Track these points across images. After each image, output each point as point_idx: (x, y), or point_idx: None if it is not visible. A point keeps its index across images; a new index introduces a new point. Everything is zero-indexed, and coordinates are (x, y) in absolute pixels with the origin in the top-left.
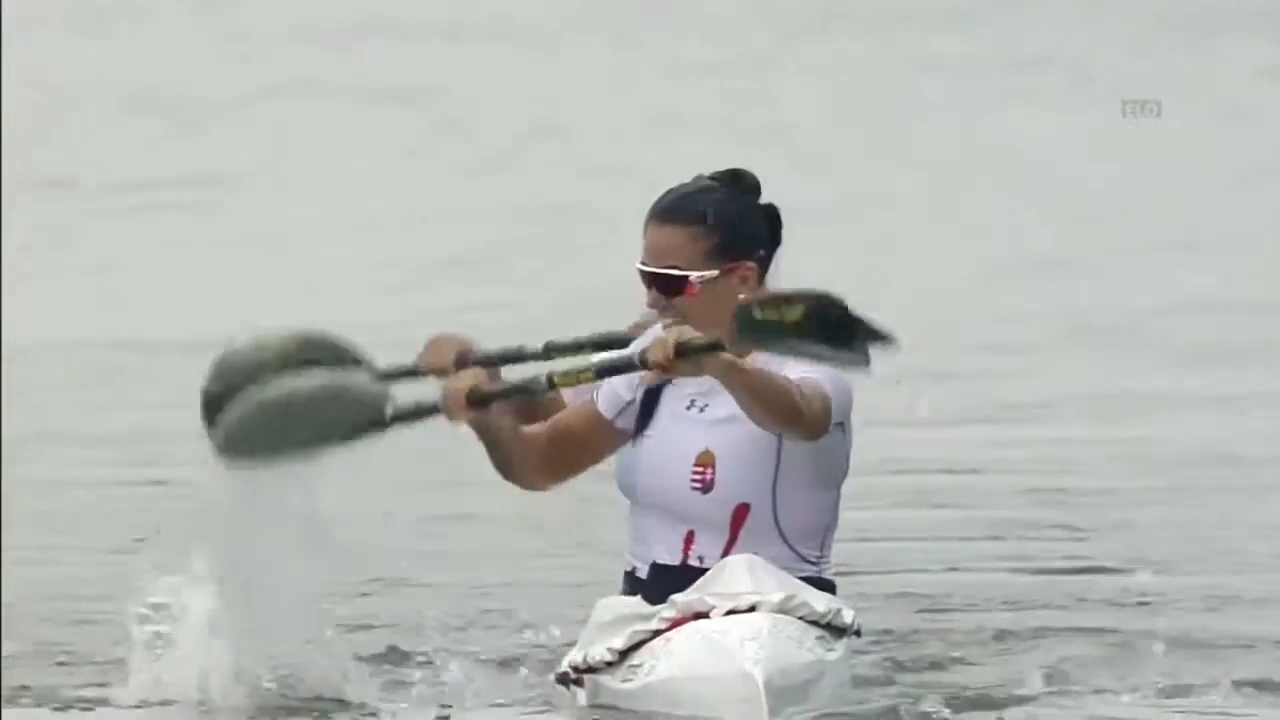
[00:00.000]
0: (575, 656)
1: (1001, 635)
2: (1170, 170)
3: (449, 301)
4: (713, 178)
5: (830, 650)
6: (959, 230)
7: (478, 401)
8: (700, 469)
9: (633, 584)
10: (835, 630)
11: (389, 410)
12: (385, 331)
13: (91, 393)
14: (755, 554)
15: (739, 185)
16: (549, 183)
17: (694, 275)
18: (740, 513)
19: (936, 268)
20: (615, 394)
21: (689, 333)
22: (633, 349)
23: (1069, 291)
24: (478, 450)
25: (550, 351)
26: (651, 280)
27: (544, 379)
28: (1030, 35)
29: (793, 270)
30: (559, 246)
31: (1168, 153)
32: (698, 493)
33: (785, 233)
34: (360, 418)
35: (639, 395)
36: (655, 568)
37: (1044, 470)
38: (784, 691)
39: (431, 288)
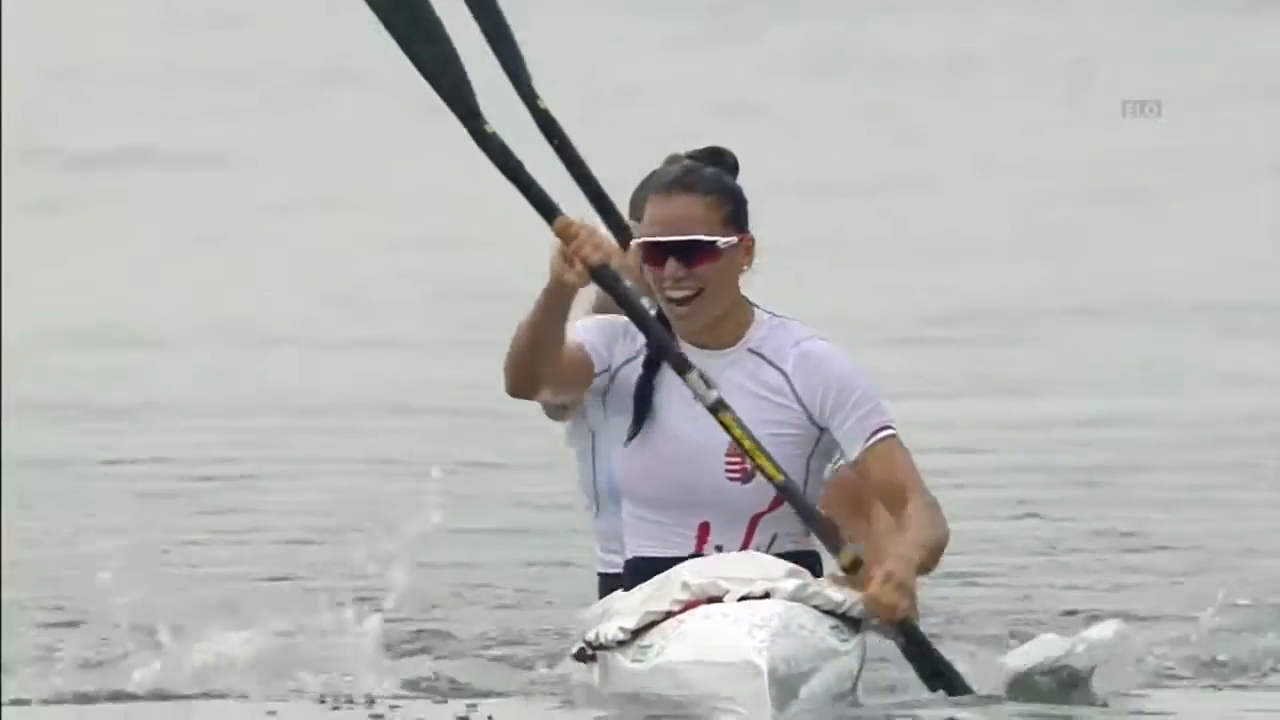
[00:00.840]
0: (589, 633)
1: (1028, 617)
2: (1176, 158)
3: (469, 270)
4: (691, 156)
5: (844, 641)
6: (963, 214)
7: (601, 277)
8: (735, 459)
9: (612, 587)
10: (851, 621)
11: (488, 127)
12: (387, 298)
13: (97, 369)
14: (775, 534)
15: (721, 162)
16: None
17: (721, 241)
18: (779, 498)
19: (939, 249)
20: (600, 354)
21: (906, 605)
22: (843, 595)
23: (1078, 269)
24: (480, 438)
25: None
26: (670, 250)
27: (713, 396)
28: (1032, 28)
29: (801, 239)
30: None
31: (1171, 143)
32: (736, 483)
33: (792, 206)
34: (445, 75)
35: (616, 368)
36: (650, 561)
37: (1068, 448)
38: (790, 680)
39: (444, 260)
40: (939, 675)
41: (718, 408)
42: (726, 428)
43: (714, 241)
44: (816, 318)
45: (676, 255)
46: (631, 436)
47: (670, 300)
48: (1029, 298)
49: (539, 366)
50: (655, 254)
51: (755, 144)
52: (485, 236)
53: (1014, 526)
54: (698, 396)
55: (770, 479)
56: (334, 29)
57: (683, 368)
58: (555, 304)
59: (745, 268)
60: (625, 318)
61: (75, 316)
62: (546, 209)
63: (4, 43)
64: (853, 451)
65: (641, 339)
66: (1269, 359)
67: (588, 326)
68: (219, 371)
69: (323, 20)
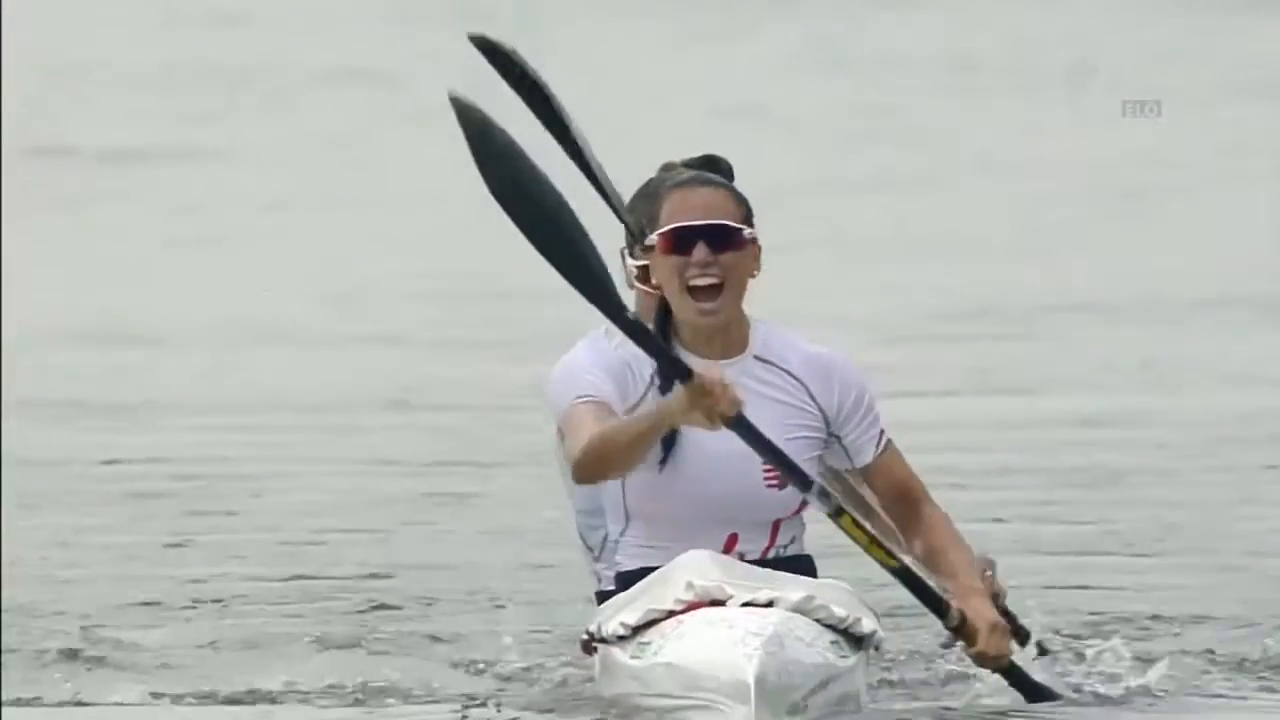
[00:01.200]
0: (592, 625)
1: (1033, 617)
2: (1176, 158)
3: (469, 270)
4: (687, 164)
5: (843, 657)
6: (963, 214)
7: (735, 425)
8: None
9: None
10: (853, 639)
11: (630, 314)
12: (386, 297)
13: (97, 368)
14: (793, 536)
15: (717, 169)
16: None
17: (746, 231)
18: (804, 503)
19: (939, 248)
20: (619, 404)
21: (1009, 646)
22: (952, 621)
23: (1078, 269)
24: (479, 437)
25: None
26: (700, 235)
27: (833, 500)
28: (1031, 29)
29: (801, 239)
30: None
31: (1171, 143)
32: (774, 489)
33: (792, 206)
34: (589, 275)
35: (630, 410)
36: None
37: (1069, 447)
38: (780, 691)
39: (444, 259)
40: (1029, 689)
41: (838, 512)
42: (847, 531)
43: (741, 230)
44: (816, 317)
45: (706, 240)
46: (663, 461)
47: (695, 290)
48: (1029, 297)
49: (626, 471)
50: (682, 241)
51: (756, 144)
52: (485, 236)
53: (1015, 526)
54: (819, 507)
55: (885, 565)
56: (334, 29)
57: (806, 485)
58: (662, 433)
59: (755, 273)
60: (625, 353)
61: (75, 315)
62: (681, 371)
63: (4, 42)
64: (863, 458)
65: (646, 376)
66: (1270, 358)
67: (603, 382)
68: (219, 371)
69: (323, 20)
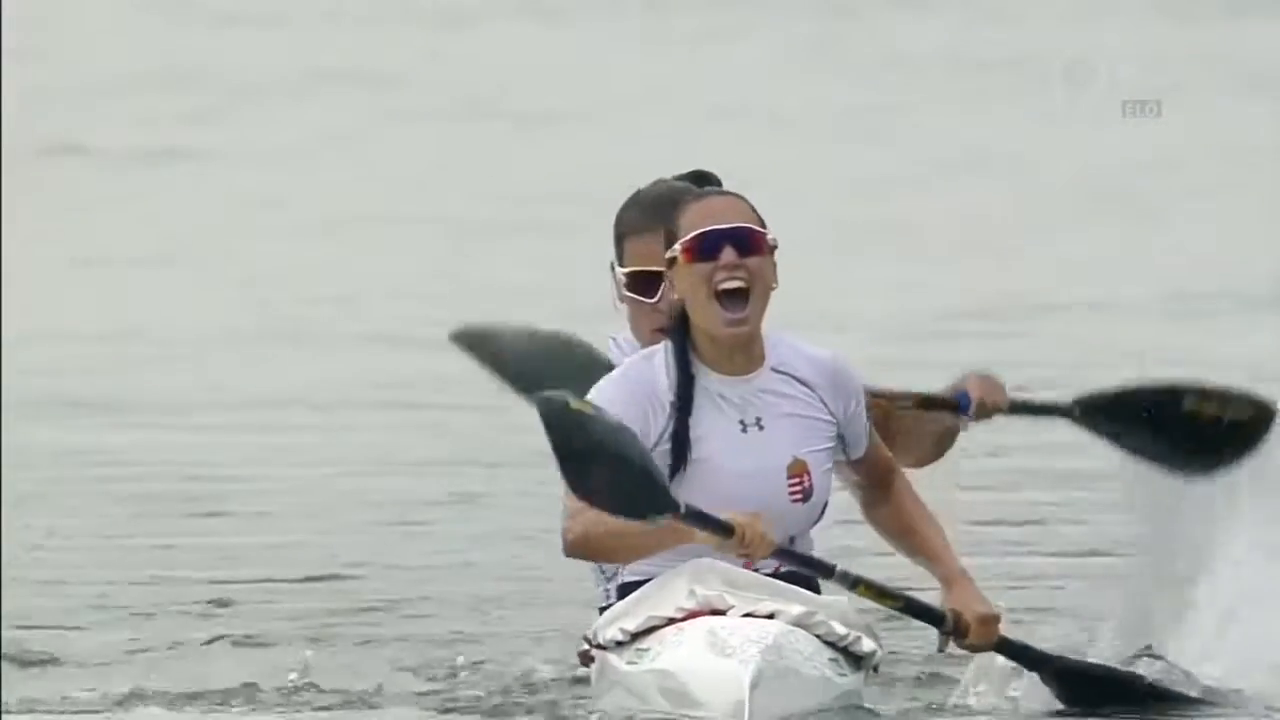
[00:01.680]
0: (589, 632)
1: (1038, 621)
2: (1176, 158)
3: (469, 268)
4: (677, 179)
5: (841, 675)
6: (963, 213)
7: (780, 553)
8: (796, 478)
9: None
10: (852, 657)
11: (679, 500)
12: (386, 295)
13: (96, 368)
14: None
15: (707, 184)
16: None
17: (770, 235)
18: (821, 512)
19: (939, 248)
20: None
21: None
22: (947, 623)
23: (1078, 268)
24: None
25: (856, 583)
26: (727, 238)
27: (851, 577)
28: (1030, 32)
29: (801, 239)
30: (566, 225)
31: (1171, 143)
32: (799, 503)
33: (792, 206)
34: (637, 478)
35: (653, 449)
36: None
37: (1068, 448)
38: (774, 701)
39: (444, 258)
40: (1022, 656)
41: (855, 584)
42: (863, 595)
43: (765, 233)
44: (817, 317)
45: (733, 243)
46: (673, 478)
47: (723, 296)
48: (1029, 297)
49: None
50: (709, 246)
51: (756, 144)
52: (485, 235)
53: (1016, 526)
54: (842, 586)
55: (894, 608)
56: (334, 29)
57: (828, 573)
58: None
59: (774, 284)
60: (649, 375)
61: (75, 315)
62: (725, 529)
63: (4, 42)
64: (858, 452)
65: (667, 405)
66: (1270, 358)
67: (627, 417)
68: (219, 371)
69: (323, 20)
